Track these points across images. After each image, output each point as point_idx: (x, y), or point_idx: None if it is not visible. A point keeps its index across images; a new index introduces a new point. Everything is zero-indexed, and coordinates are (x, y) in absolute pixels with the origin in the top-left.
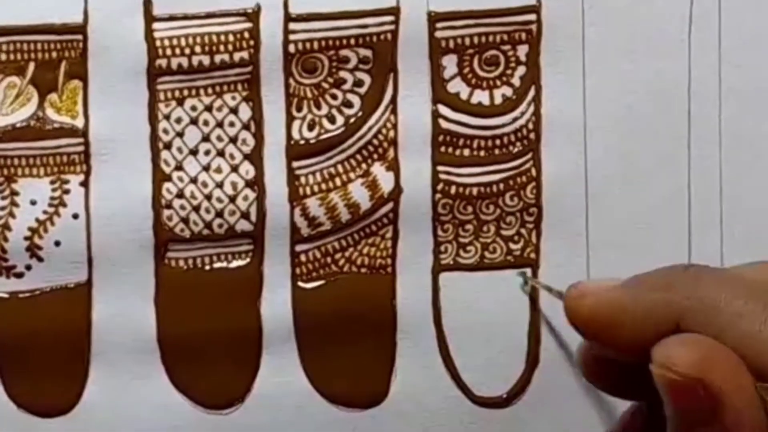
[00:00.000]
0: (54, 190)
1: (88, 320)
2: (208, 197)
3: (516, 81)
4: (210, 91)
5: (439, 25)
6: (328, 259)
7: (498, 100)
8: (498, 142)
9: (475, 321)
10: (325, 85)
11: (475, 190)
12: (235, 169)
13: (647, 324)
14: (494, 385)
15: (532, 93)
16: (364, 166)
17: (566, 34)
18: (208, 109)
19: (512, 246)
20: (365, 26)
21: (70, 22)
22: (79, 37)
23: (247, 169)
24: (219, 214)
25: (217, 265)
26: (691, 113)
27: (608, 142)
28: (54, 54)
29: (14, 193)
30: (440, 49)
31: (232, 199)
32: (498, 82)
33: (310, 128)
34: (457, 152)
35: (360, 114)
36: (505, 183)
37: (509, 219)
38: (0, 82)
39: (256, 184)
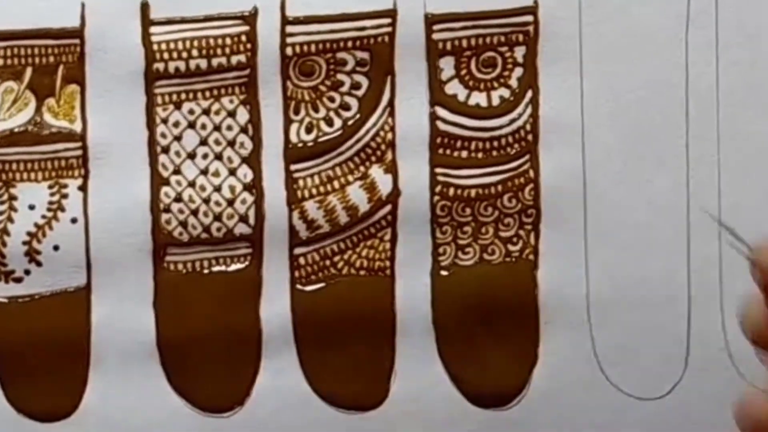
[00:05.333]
0: (52, 194)
1: (88, 324)
2: (207, 201)
3: (513, 82)
4: (207, 94)
5: (436, 27)
6: (327, 262)
7: (495, 102)
8: (496, 143)
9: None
10: (323, 88)
11: (473, 192)
12: (233, 172)
13: None
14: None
15: (529, 94)
16: (362, 168)
17: (563, 35)
18: (206, 112)
19: (511, 247)
20: (362, 29)
21: (67, 27)
22: (77, 41)
23: (245, 173)
24: (217, 217)
25: (215, 268)
26: (689, 113)
27: (606, 143)
28: (51, 58)
29: (12, 197)
30: (437, 51)
31: (231, 203)
32: (495, 84)
33: (308, 131)
34: (455, 154)
35: (358, 116)
36: (503, 184)
37: (507, 220)
38: None
39: (255, 187)
